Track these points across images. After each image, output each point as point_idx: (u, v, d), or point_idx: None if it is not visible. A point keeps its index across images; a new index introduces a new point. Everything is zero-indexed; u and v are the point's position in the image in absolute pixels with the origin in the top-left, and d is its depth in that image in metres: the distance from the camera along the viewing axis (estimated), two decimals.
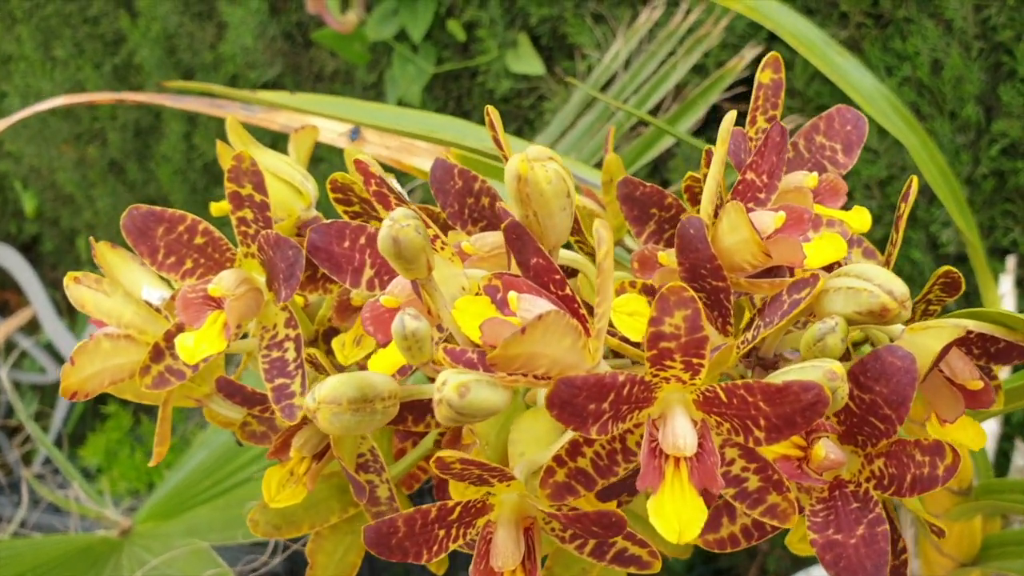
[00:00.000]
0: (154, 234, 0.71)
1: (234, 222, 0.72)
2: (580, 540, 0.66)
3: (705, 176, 0.73)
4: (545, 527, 0.66)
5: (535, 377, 0.56)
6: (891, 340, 0.66)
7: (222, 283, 0.70)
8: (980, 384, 0.64)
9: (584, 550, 0.67)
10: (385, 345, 0.64)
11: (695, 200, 0.78)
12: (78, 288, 0.71)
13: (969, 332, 0.61)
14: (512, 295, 0.56)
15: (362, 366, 0.87)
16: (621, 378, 0.56)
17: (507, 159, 0.69)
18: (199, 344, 0.69)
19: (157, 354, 0.74)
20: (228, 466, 1.57)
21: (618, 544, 0.67)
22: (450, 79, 2.18)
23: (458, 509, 0.63)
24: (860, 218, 0.69)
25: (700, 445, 0.58)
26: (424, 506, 0.62)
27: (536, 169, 0.55)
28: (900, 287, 0.57)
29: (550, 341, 0.53)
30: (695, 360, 0.57)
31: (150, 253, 0.72)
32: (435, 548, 0.63)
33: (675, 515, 0.57)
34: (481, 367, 0.57)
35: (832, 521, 0.64)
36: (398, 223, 0.53)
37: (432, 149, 1.06)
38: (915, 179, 0.68)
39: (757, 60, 1.70)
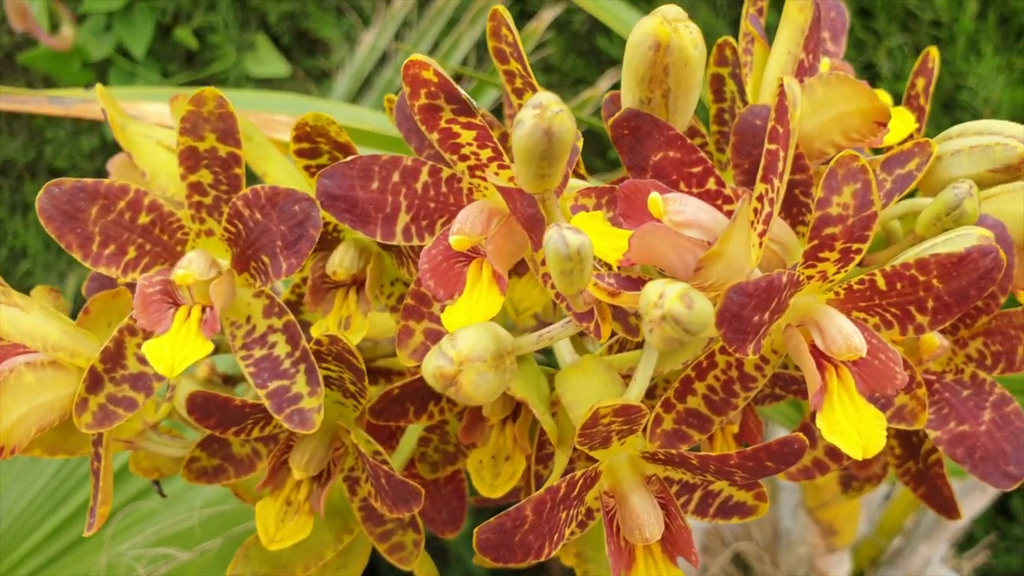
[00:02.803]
0: (86, 216, 0.53)
1: (185, 191, 0.56)
2: (686, 497, 0.57)
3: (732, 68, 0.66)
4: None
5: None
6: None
7: (192, 267, 0.54)
8: None
9: (689, 507, 0.57)
10: (450, 300, 0.51)
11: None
12: None
13: None
14: (654, 196, 0.46)
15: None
16: (784, 279, 0.47)
17: (505, 74, 0.57)
18: (177, 350, 0.52)
19: (95, 381, 0.55)
20: (27, 541, 1.29)
21: (724, 493, 0.58)
22: None
23: (580, 481, 0.51)
24: (885, 96, 0.65)
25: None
26: (550, 485, 0.50)
27: (681, 32, 0.45)
28: None
29: (741, 237, 0.43)
30: (855, 246, 0.49)
31: (82, 243, 0.53)
32: (556, 536, 0.51)
33: (853, 429, 0.49)
34: (623, 289, 0.46)
35: (949, 414, 0.59)
36: (549, 109, 0.40)
37: (293, 123, 0.91)
38: (934, 50, 0.64)
39: (555, 22, 1.66)
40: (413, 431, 0.70)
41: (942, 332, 0.61)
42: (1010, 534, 2.01)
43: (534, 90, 0.56)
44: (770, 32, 0.64)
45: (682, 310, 0.39)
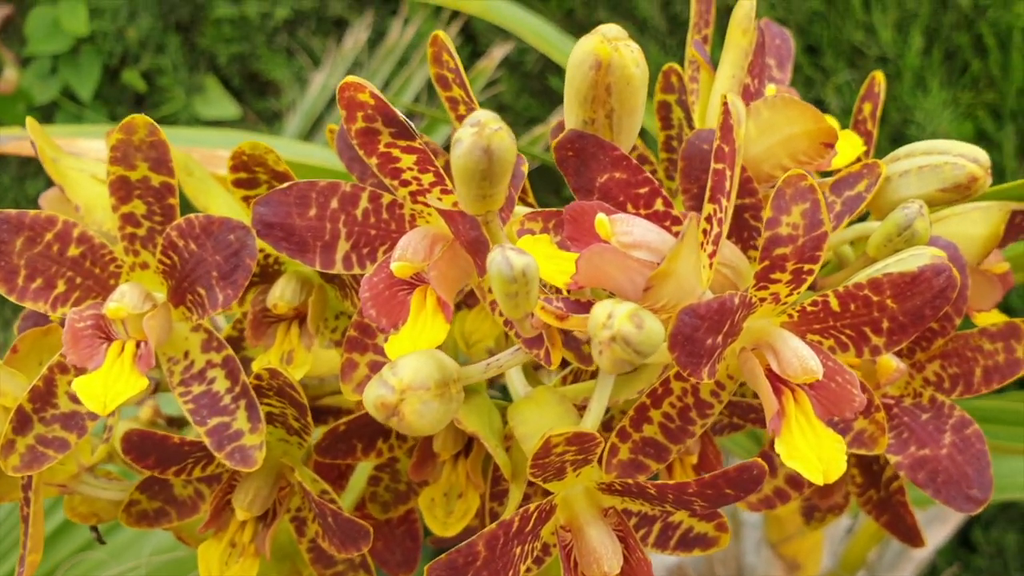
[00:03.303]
0: (10, 249, 0.51)
1: (117, 223, 0.54)
2: (645, 529, 0.55)
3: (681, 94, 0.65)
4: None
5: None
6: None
7: (125, 300, 0.51)
8: (1005, 267, 0.61)
9: (649, 539, 0.55)
10: (393, 329, 0.49)
11: None
12: None
13: (1014, 212, 0.58)
14: (601, 217, 0.44)
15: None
16: (736, 300, 0.46)
17: (448, 101, 0.56)
18: (110, 386, 0.50)
19: (22, 421, 0.53)
20: None
21: (684, 524, 0.56)
22: None
23: (534, 515, 0.49)
24: (831, 118, 0.65)
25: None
26: (503, 519, 0.48)
27: (622, 51, 0.44)
28: (981, 153, 0.52)
29: (690, 257, 0.42)
30: (807, 267, 0.48)
31: (5, 277, 0.51)
32: (511, 573, 0.49)
33: (813, 454, 0.48)
34: (573, 312, 0.45)
35: (909, 439, 0.58)
36: (488, 127, 0.39)
37: None
38: (879, 74, 0.64)
39: (508, 62, 1.66)
40: (363, 470, 0.68)
41: (898, 355, 0.60)
42: (972, 565, 2.01)
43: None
44: (716, 64, 0.64)
45: (632, 330, 0.38)
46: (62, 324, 0.59)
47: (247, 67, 1.89)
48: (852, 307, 0.49)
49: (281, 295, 0.59)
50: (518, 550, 0.49)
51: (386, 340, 0.49)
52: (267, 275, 0.61)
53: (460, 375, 0.45)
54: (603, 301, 0.39)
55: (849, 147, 0.58)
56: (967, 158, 0.52)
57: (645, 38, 1.88)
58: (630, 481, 0.48)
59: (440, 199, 0.50)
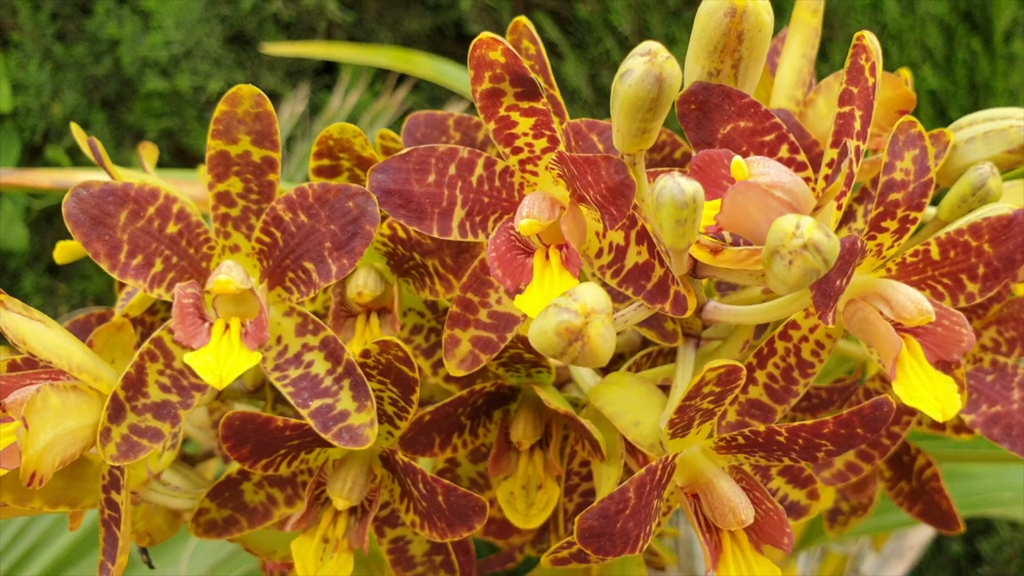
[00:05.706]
0: (115, 223, 0.49)
1: (211, 201, 0.52)
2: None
3: None
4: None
5: None
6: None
7: (234, 273, 0.50)
8: None
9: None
10: (517, 291, 0.49)
11: None
12: (10, 316, 0.46)
13: None
14: (738, 160, 0.46)
15: None
16: (859, 243, 0.48)
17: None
18: (223, 360, 0.48)
19: (117, 409, 0.50)
20: None
21: (780, 491, 0.57)
22: (56, 214, 1.88)
23: (668, 467, 0.49)
24: None
25: None
26: (649, 466, 0.47)
27: None
28: None
29: (837, 193, 0.44)
30: (912, 215, 0.50)
31: (109, 252, 0.49)
32: (648, 528, 0.49)
33: (929, 394, 0.50)
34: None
35: (978, 399, 0.60)
36: (660, 55, 0.40)
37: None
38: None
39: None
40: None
41: None
42: None
43: (556, 103, 0.56)
44: None
45: (822, 237, 0.39)
46: (131, 320, 0.57)
47: (176, 142, 1.86)
48: (952, 254, 0.52)
49: (365, 283, 0.58)
50: (655, 503, 0.49)
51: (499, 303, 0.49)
52: None
53: None
54: (786, 215, 0.40)
55: None
56: None
57: (575, 107, 1.94)
58: (761, 428, 0.49)
59: (551, 167, 0.51)
